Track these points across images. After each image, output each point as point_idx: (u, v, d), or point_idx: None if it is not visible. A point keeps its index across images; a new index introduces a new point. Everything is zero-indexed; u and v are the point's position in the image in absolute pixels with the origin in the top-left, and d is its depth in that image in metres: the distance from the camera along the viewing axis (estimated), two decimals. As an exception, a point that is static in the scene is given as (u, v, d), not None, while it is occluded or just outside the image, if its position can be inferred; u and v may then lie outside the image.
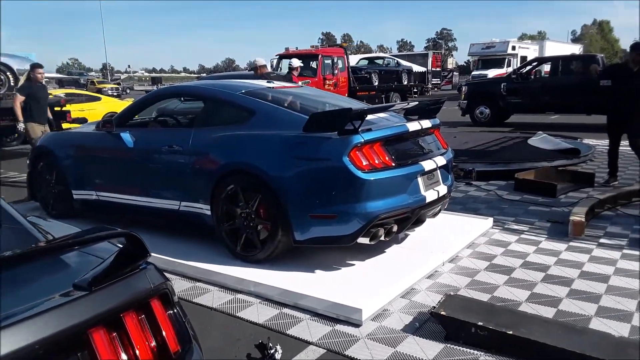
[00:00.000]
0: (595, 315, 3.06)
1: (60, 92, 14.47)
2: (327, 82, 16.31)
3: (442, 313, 2.85)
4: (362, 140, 3.44)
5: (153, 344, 1.47)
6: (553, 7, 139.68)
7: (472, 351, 2.70)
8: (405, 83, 23.89)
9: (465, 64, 32.59)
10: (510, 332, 2.64)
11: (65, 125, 9.50)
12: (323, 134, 3.51)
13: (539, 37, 60.18)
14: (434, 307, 2.96)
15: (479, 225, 4.71)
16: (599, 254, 4.06)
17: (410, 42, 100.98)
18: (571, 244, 4.32)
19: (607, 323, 2.96)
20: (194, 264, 3.87)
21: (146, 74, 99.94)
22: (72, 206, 5.09)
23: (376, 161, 3.50)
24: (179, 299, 1.65)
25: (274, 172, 3.63)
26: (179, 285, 3.68)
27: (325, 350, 2.79)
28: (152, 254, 1.61)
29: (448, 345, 2.77)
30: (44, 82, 7.62)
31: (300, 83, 7.08)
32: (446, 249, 4.05)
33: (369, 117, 3.74)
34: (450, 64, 52.40)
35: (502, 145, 9.26)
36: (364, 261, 3.85)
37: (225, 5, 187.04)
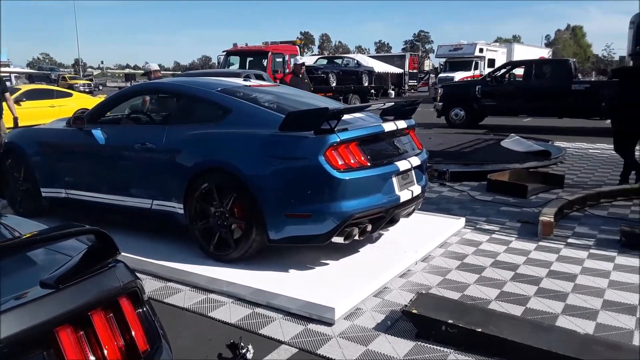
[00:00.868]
0: (562, 313, 3.14)
1: (28, 88, 14.13)
2: (277, 81, 15.88)
3: (414, 311, 2.89)
4: (338, 139, 3.46)
5: (121, 342, 1.45)
6: (529, 11, 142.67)
7: (442, 349, 2.74)
8: (366, 84, 22.71)
9: (441, 66, 32.55)
10: (480, 330, 2.68)
11: None
12: (299, 133, 3.52)
13: (514, 41, 61.26)
14: (406, 305, 3.00)
15: (452, 225, 4.78)
16: (566, 254, 4.17)
17: (388, 44, 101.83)
18: (540, 243, 4.42)
19: (573, 321, 3.04)
20: (166, 263, 3.82)
21: (119, 70, 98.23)
22: (41, 204, 4.98)
23: (352, 161, 3.52)
24: (149, 298, 1.63)
25: (250, 170, 3.62)
26: (150, 285, 3.64)
27: (297, 350, 2.80)
28: (123, 253, 1.59)
29: (419, 343, 2.81)
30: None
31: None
32: (419, 249, 4.10)
33: (345, 116, 3.76)
34: (427, 65, 53.06)
35: (475, 147, 9.43)
36: (338, 260, 3.87)
37: (202, 4, 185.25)
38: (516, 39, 73.00)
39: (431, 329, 2.83)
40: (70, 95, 14.58)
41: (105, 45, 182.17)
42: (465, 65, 28.01)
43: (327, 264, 3.81)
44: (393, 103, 4.42)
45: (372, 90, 23.50)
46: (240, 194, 3.66)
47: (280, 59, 16.59)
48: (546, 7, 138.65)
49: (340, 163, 3.45)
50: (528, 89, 13.51)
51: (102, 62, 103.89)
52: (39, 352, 1.28)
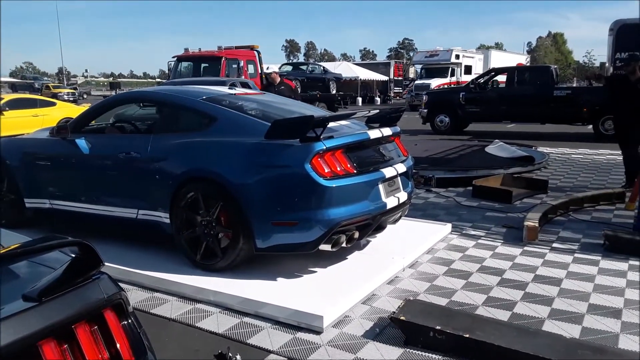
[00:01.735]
0: (548, 318, 3.17)
1: (11, 97, 13.96)
2: None
3: (402, 318, 2.89)
4: (324, 147, 3.46)
5: (106, 355, 1.44)
6: (511, 19, 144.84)
7: (430, 355, 2.75)
8: (334, 92, 22.12)
9: (417, 73, 32.49)
10: (467, 335, 2.69)
11: None
12: (285, 141, 3.52)
13: (495, 48, 62.05)
14: (394, 312, 3.00)
15: (438, 231, 4.81)
16: (551, 258, 4.21)
17: (372, 51, 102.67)
18: (525, 248, 4.46)
19: (559, 325, 3.07)
20: (152, 273, 3.78)
21: (104, 79, 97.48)
22: (24, 215, 4.90)
23: (338, 168, 3.53)
24: (134, 309, 1.62)
25: (236, 179, 3.61)
26: (136, 296, 3.59)
27: (286, 359, 2.78)
28: (108, 264, 1.58)
29: (407, 349, 2.81)
30: None
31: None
32: (406, 255, 4.11)
33: (331, 124, 3.77)
34: (412, 73, 53.46)
35: (460, 153, 9.50)
36: (326, 268, 3.86)
37: (187, 11, 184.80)
38: (498, 46, 73.93)
39: (419, 335, 2.83)
40: (54, 104, 14.45)
41: (89, 50, 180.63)
42: (441, 71, 27.50)
43: (314, 271, 3.80)
44: (378, 110, 4.44)
45: (339, 98, 22.80)
46: (227, 202, 3.64)
47: (235, 65, 15.18)
48: (528, 14, 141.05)
49: (326, 171, 3.45)
50: (511, 95, 13.71)
51: (86, 71, 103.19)
52: None
